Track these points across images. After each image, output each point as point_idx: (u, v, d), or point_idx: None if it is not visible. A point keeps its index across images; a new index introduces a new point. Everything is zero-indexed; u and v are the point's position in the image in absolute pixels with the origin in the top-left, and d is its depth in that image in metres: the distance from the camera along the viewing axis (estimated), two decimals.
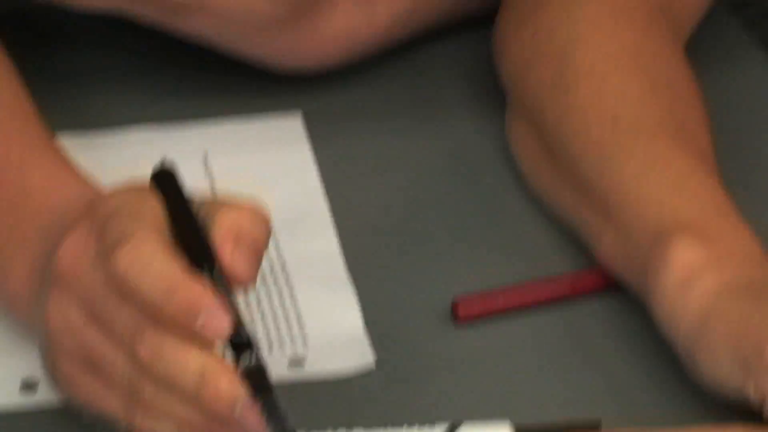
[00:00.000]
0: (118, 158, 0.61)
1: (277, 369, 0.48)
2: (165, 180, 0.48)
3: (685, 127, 0.63)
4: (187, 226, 0.47)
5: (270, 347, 0.50)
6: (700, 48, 0.68)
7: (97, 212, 0.48)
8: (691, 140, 0.62)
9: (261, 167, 0.63)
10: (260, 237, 0.46)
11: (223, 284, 0.42)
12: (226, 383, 0.43)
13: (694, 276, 0.54)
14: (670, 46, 0.68)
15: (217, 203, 0.48)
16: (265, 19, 0.68)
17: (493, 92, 0.66)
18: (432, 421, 0.49)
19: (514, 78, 0.67)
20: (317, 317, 0.53)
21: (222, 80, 0.70)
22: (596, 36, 0.67)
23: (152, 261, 0.44)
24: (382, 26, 0.72)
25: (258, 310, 0.53)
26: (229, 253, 0.45)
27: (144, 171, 0.56)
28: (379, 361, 0.52)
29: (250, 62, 0.67)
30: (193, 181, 0.55)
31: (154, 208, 0.47)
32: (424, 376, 0.54)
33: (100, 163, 0.59)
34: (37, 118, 0.60)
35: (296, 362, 0.49)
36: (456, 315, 0.53)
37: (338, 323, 0.53)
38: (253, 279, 0.46)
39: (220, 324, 0.43)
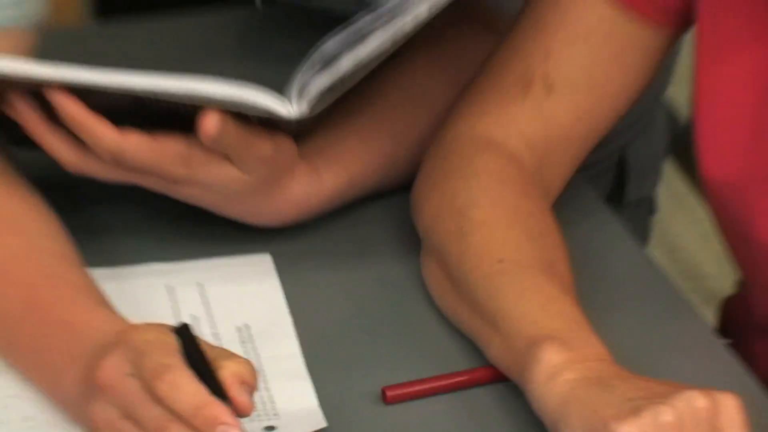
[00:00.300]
0: (135, 287, 0.77)
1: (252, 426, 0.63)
2: (184, 331, 0.62)
3: (552, 265, 0.76)
4: (201, 365, 0.61)
5: (251, 419, 0.64)
6: (559, 201, 0.85)
7: (130, 342, 0.63)
8: (556, 275, 0.75)
9: (242, 294, 0.79)
10: (254, 384, 0.61)
11: (232, 410, 0.58)
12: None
13: (557, 373, 0.66)
14: (541, 205, 0.81)
15: (219, 352, 0.64)
16: (240, 189, 0.82)
17: (411, 238, 0.83)
18: None
19: (427, 228, 0.80)
20: (285, 398, 0.68)
21: (210, 228, 0.85)
22: (486, 199, 0.80)
23: (186, 386, 0.60)
24: (328, 193, 0.86)
25: None
26: (236, 392, 0.60)
27: (154, 298, 0.76)
28: (329, 429, 0.66)
29: (229, 217, 0.82)
30: (193, 305, 0.76)
31: (177, 346, 0.62)
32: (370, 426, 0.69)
33: (122, 291, 0.75)
34: (80, 263, 0.75)
35: (270, 428, 0.65)
36: (384, 397, 0.67)
37: (300, 401, 0.68)
38: (249, 412, 0.61)
39: (226, 424, 0.59)
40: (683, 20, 0.86)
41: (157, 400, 0.61)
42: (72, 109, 0.75)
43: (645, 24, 0.83)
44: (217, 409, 0.60)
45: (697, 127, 0.85)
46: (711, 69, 0.84)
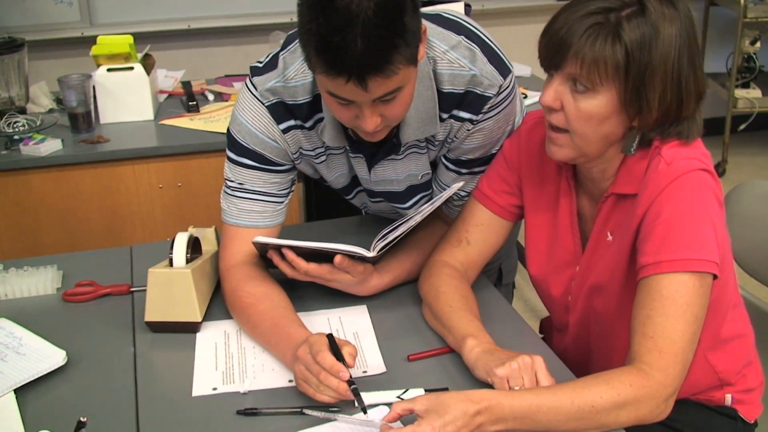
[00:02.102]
0: (313, 321, 1.58)
1: (355, 372, 1.36)
2: (329, 336, 1.36)
3: (471, 309, 1.52)
4: (336, 349, 1.33)
5: (356, 368, 1.42)
6: (475, 284, 1.62)
7: (309, 340, 1.37)
8: (473, 312, 1.51)
9: (355, 319, 1.60)
10: (356, 355, 1.34)
11: (347, 367, 1.29)
12: (343, 386, 1.31)
13: (472, 348, 1.40)
14: (467, 286, 1.59)
15: (343, 342, 1.35)
16: (351, 283, 1.61)
17: (417, 296, 1.62)
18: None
19: (425, 294, 1.59)
20: (369, 360, 1.47)
21: (346, 297, 1.65)
22: (446, 285, 1.57)
23: (329, 358, 1.31)
24: (385, 283, 1.68)
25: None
26: (348, 358, 1.32)
27: (322, 323, 1.60)
28: (387, 373, 1.45)
29: (349, 293, 1.63)
30: (335, 325, 1.59)
31: (327, 342, 1.34)
32: (394, 379, 1.42)
33: (308, 322, 1.54)
34: (293, 310, 1.57)
35: (364, 372, 1.44)
36: (409, 358, 1.49)
37: (375, 361, 1.47)
38: (353, 365, 1.31)
39: (344, 377, 1.29)
40: (520, 216, 1.64)
41: (317, 362, 1.30)
42: (291, 255, 1.56)
43: (504, 218, 1.64)
44: (340, 366, 1.30)
45: (527, 254, 1.64)
46: (530, 228, 1.61)
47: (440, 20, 1.61)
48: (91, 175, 2.67)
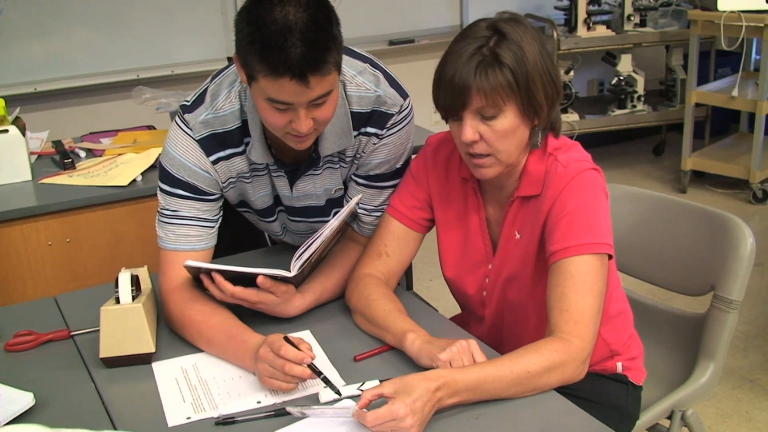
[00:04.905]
0: None
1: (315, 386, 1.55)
2: (285, 337, 1.52)
3: (401, 311, 1.72)
4: (293, 345, 1.50)
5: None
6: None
7: (267, 340, 1.55)
8: (403, 313, 1.71)
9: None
10: (311, 349, 1.51)
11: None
12: (307, 371, 1.49)
13: (415, 341, 1.59)
14: (391, 292, 1.80)
15: (296, 339, 1.52)
16: (276, 303, 1.76)
17: (346, 309, 1.81)
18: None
19: (355, 304, 1.79)
20: (323, 369, 1.61)
21: (273, 320, 1.80)
22: (374, 293, 1.76)
23: (291, 350, 1.50)
24: (308, 303, 1.83)
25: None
26: (309, 352, 1.51)
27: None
28: (341, 374, 1.60)
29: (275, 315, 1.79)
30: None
31: (283, 340, 1.51)
32: (348, 379, 1.58)
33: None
34: (242, 324, 1.71)
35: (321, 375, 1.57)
36: (355, 359, 1.67)
37: (330, 372, 1.63)
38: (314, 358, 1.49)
39: (307, 361, 1.49)
40: (429, 227, 1.86)
41: (280, 356, 1.47)
42: (219, 278, 1.70)
43: (416, 230, 1.85)
44: (302, 354, 1.48)
45: (442, 260, 1.86)
46: (443, 236, 1.83)
47: (348, 51, 1.84)
48: None
